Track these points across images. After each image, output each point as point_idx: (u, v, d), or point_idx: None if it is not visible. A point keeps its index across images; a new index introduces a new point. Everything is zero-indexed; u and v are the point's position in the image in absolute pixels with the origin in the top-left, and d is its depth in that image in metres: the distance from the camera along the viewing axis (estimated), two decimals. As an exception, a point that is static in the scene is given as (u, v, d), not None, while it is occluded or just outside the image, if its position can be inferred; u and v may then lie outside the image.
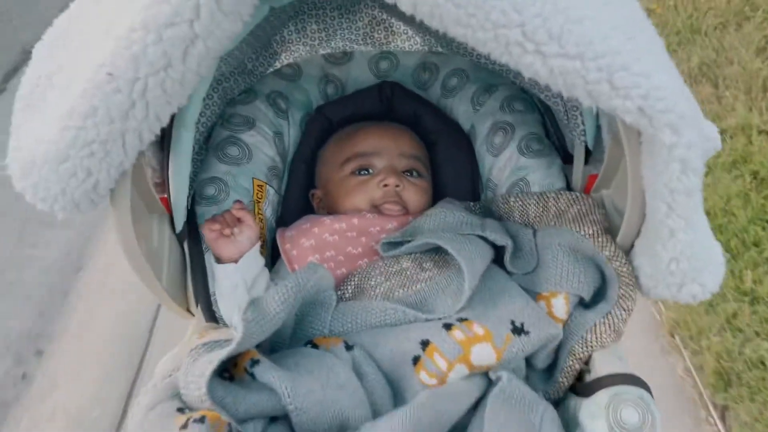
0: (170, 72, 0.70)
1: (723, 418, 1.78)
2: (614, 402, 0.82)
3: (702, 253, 0.86)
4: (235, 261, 1.03)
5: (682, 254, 0.84)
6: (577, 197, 1.06)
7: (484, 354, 0.87)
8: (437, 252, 1.06)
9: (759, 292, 1.95)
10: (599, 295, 0.97)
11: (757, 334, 1.87)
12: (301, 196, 1.32)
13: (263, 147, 1.25)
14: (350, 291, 1.04)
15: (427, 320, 0.93)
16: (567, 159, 1.19)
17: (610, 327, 0.91)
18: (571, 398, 0.91)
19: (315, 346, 0.93)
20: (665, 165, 0.77)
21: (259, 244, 1.06)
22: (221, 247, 1.03)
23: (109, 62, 0.70)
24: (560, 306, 0.95)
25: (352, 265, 1.10)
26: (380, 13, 1.34)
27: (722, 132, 2.14)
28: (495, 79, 1.31)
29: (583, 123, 1.06)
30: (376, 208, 1.18)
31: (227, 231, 1.02)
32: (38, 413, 2.01)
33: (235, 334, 0.85)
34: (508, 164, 1.22)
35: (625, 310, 0.92)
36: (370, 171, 1.22)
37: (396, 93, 1.36)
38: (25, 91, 0.86)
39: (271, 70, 1.36)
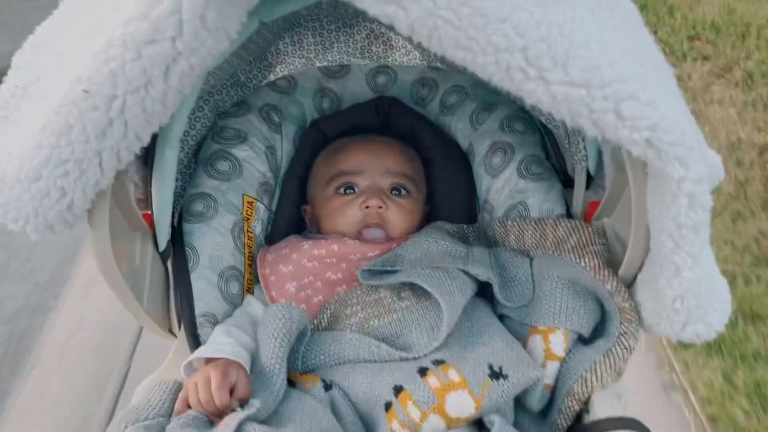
0: (151, 90, 0.66)
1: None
2: (614, 448, 0.77)
3: (708, 291, 0.82)
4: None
5: (688, 292, 0.80)
6: (576, 226, 1.02)
7: (461, 403, 0.82)
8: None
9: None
10: (598, 330, 0.93)
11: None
12: (293, 212, 1.28)
13: (255, 162, 1.21)
14: (326, 320, 1.00)
15: (402, 359, 0.89)
16: (567, 182, 1.15)
17: (610, 366, 0.87)
18: (569, 440, 0.86)
19: (291, 383, 0.89)
20: (673, 199, 0.73)
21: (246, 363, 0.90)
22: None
23: (86, 78, 0.66)
24: (558, 342, 0.91)
25: (330, 292, 1.06)
26: (378, 27, 1.31)
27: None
28: (495, 97, 1.28)
29: (584, 148, 1.02)
30: (359, 233, 1.14)
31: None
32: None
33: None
34: (507, 186, 1.18)
35: (626, 349, 0.87)
36: (355, 189, 1.18)
37: (393, 108, 1.32)
38: (1, 101, 0.82)
39: (266, 82, 1.32)
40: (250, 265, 1.13)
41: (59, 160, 0.70)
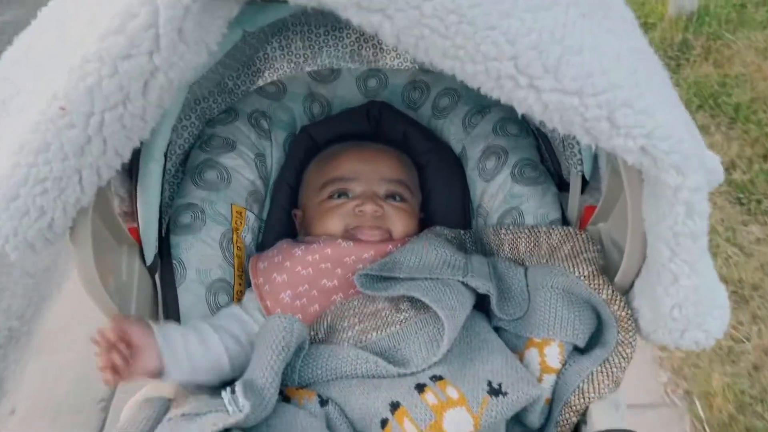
0: (129, 106, 0.64)
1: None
2: (613, 462, 0.76)
3: (706, 298, 0.81)
4: (160, 374, 0.88)
5: (686, 300, 0.79)
6: (569, 233, 1.00)
7: (459, 420, 0.80)
8: None
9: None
10: (595, 338, 0.91)
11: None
12: (284, 219, 1.25)
13: (243, 170, 1.18)
14: (323, 332, 0.98)
15: (400, 376, 0.87)
16: (563, 186, 1.13)
17: (608, 376, 0.85)
18: (566, 452, 0.85)
19: (287, 398, 0.87)
20: (669, 208, 0.71)
21: (158, 348, 0.88)
22: (131, 374, 0.84)
23: (62, 95, 0.64)
24: (554, 355, 0.89)
25: (326, 300, 1.03)
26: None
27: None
28: (488, 100, 1.24)
29: (580, 152, 1.00)
30: (350, 234, 1.11)
31: (123, 371, 0.82)
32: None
33: (225, 410, 0.79)
34: (501, 191, 1.16)
35: (624, 358, 0.86)
36: (348, 195, 1.15)
37: (384, 113, 1.30)
38: None
39: (254, 88, 1.30)
40: (240, 276, 1.11)
41: (37, 178, 0.68)
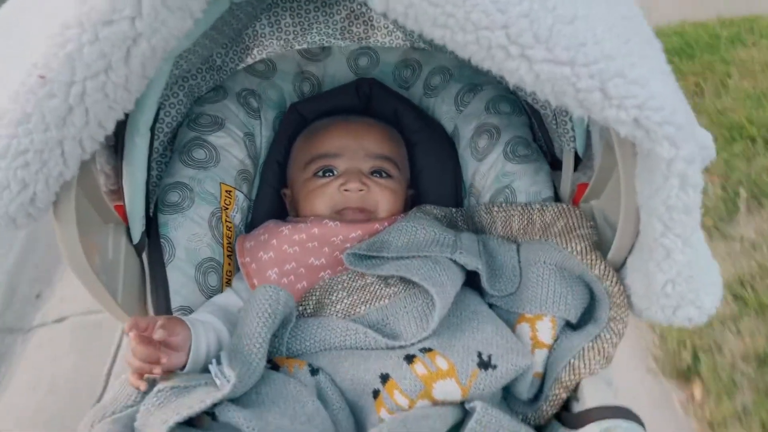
0: (111, 75, 0.62)
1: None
2: (606, 437, 0.75)
3: (699, 273, 0.80)
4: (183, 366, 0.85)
5: (679, 275, 0.78)
6: (563, 209, 0.99)
7: (447, 390, 0.80)
8: None
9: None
10: (587, 314, 0.91)
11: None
12: (274, 199, 1.24)
13: (232, 149, 1.17)
14: (311, 307, 0.97)
15: (389, 347, 0.87)
16: (555, 164, 1.12)
17: (599, 352, 0.84)
18: (557, 428, 0.84)
19: (276, 366, 0.86)
20: (663, 180, 0.70)
21: (191, 338, 0.85)
22: (164, 370, 0.80)
23: (42, 63, 0.62)
24: (546, 330, 0.88)
25: (314, 278, 1.02)
26: (359, 7, 1.27)
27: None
28: (480, 78, 1.24)
29: (572, 128, 0.99)
30: (338, 214, 1.10)
31: (157, 370, 0.79)
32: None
33: (214, 382, 0.78)
34: (493, 169, 1.15)
35: (615, 334, 0.85)
36: (334, 172, 1.14)
37: (375, 90, 1.28)
38: None
39: (243, 66, 1.28)
40: (229, 256, 1.09)
41: (18, 150, 0.66)
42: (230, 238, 1.11)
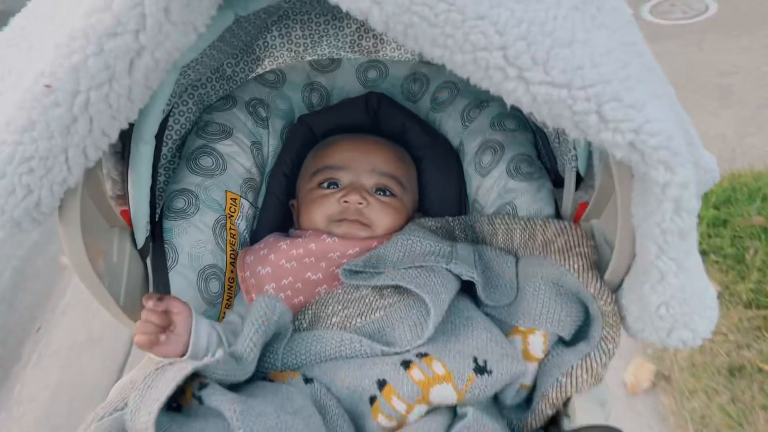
0: (115, 85, 0.64)
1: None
2: (592, 459, 0.75)
3: (693, 296, 0.80)
4: (183, 354, 0.89)
5: (673, 298, 0.78)
6: (564, 227, 0.99)
7: (444, 395, 0.82)
8: None
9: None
10: (581, 332, 0.91)
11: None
12: (278, 209, 1.25)
13: (239, 158, 1.18)
14: (307, 321, 0.98)
15: (384, 354, 0.88)
16: (558, 182, 1.13)
17: (587, 371, 0.85)
18: (547, 446, 0.84)
19: (270, 381, 0.87)
20: (657, 204, 0.71)
21: (195, 321, 0.90)
22: (162, 351, 0.87)
23: (48, 72, 0.64)
24: (537, 344, 0.89)
25: (311, 292, 1.03)
26: (368, 21, 1.28)
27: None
28: (487, 95, 1.24)
29: (574, 147, 1.00)
30: (336, 225, 1.10)
31: (162, 337, 0.86)
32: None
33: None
34: (496, 186, 1.15)
35: (605, 353, 0.85)
36: (338, 185, 1.15)
37: (383, 105, 1.29)
38: None
39: (253, 75, 1.30)
40: (232, 263, 1.11)
41: (23, 157, 0.68)
42: (234, 245, 1.13)
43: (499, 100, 1.21)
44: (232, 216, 1.13)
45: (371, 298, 0.96)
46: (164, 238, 1.05)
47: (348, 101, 1.30)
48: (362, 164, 1.15)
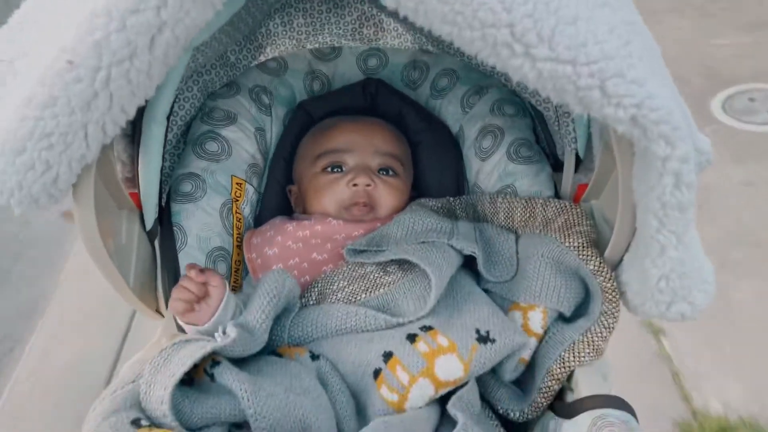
0: (135, 62, 0.65)
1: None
2: (597, 426, 0.77)
3: (693, 270, 0.83)
4: (204, 323, 0.92)
5: (672, 272, 0.81)
6: (565, 206, 1.02)
7: (449, 366, 0.84)
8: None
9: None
10: (581, 308, 0.94)
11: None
12: (281, 194, 1.27)
13: (244, 143, 1.20)
14: (313, 298, 1.00)
15: (389, 326, 0.90)
16: (557, 166, 1.15)
17: (589, 345, 0.87)
18: (551, 418, 0.87)
19: (279, 355, 0.89)
20: (658, 178, 0.73)
21: (226, 297, 0.92)
22: (191, 318, 0.91)
23: (70, 49, 0.65)
24: (537, 320, 0.92)
25: (317, 272, 1.06)
26: (370, 9, 1.30)
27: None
28: (486, 81, 1.27)
29: (574, 130, 1.02)
30: (345, 211, 1.13)
31: (196, 306, 0.90)
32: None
33: (218, 339, 0.83)
34: (496, 169, 1.18)
35: (606, 328, 0.88)
36: (342, 168, 1.17)
37: (380, 90, 1.31)
38: None
39: (255, 63, 1.31)
40: (238, 246, 1.13)
41: (43, 132, 0.69)
42: (240, 229, 1.14)
43: (499, 87, 1.25)
44: (237, 200, 1.15)
45: (376, 275, 0.99)
46: (173, 220, 1.06)
47: (347, 87, 1.32)
48: (365, 146, 1.17)
